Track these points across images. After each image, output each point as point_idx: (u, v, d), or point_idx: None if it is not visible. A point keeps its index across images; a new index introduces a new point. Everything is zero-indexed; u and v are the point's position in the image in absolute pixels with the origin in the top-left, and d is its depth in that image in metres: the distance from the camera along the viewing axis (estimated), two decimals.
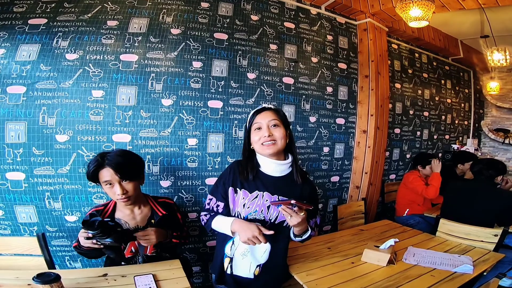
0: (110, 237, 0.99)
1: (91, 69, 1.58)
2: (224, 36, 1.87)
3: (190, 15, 1.80)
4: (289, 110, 2.05)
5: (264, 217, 1.06)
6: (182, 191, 1.76)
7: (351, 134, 2.39)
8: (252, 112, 1.12)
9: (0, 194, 1.43)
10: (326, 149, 2.24)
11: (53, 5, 1.59)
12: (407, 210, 2.28)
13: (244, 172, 1.09)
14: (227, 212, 1.10)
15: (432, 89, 3.17)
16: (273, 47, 2.03)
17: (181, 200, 1.76)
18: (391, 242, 1.28)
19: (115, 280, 1.03)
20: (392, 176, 2.83)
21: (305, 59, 2.15)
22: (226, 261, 1.10)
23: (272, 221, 1.07)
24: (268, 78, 1.99)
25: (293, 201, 0.94)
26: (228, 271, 1.09)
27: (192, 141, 1.75)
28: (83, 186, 1.53)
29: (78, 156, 1.51)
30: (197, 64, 1.79)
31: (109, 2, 1.66)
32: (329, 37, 2.29)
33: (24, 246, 1.24)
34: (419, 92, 3.02)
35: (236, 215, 1.09)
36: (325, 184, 2.28)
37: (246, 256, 1.08)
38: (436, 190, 2.14)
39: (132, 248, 1.22)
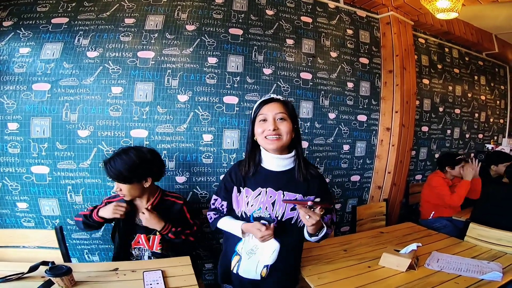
0: None
1: (110, 66, 1.64)
2: (239, 32, 1.87)
3: (205, 11, 1.82)
4: (307, 106, 2.01)
5: (269, 214, 1.02)
6: (197, 187, 1.78)
7: (374, 132, 2.30)
8: (258, 101, 1.06)
9: (26, 187, 1.52)
10: (346, 147, 2.17)
11: (73, 4, 1.67)
12: (433, 212, 2.15)
13: (245, 166, 1.06)
14: (229, 210, 1.11)
15: (464, 85, 2.98)
16: (289, 41, 2.00)
17: (196, 196, 1.79)
18: (413, 246, 1.20)
19: (125, 274, 1.06)
20: (418, 177, 2.69)
21: (323, 54, 2.10)
22: (235, 259, 1.08)
23: (278, 218, 1.02)
24: (285, 74, 1.97)
25: (309, 203, 0.89)
26: (235, 270, 1.07)
27: (207, 137, 1.77)
28: (102, 180, 1.60)
29: (98, 151, 1.58)
30: (212, 60, 1.80)
31: (126, 0, 1.72)
32: (349, 31, 2.22)
33: (43, 239, 1.30)
34: (450, 88, 2.85)
35: (241, 215, 1.06)
36: (344, 183, 2.21)
37: (254, 254, 1.06)
38: (460, 199, 2.01)
39: (139, 240, 1.27)
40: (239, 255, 1.07)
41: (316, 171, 1.09)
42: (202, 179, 1.79)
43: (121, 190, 1.21)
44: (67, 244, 1.34)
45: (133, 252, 1.29)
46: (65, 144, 1.53)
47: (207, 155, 1.77)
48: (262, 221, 1.01)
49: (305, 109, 1.99)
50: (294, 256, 1.10)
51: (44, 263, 1.06)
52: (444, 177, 2.18)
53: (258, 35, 1.92)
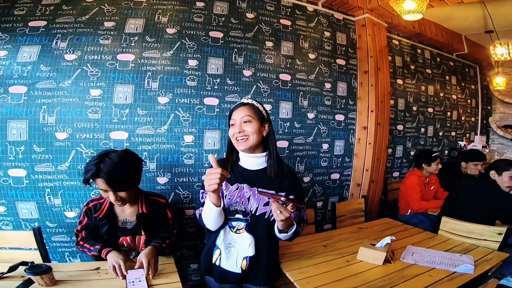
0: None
1: (89, 69, 1.67)
2: (219, 35, 1.95)
3: (186, 14, 1.88)
4: (286, 107, 2.11)
5: (245, 208, 1.10)
6: (179, 187, 1.82)
7: (351, 131, 2.43)
8: (231, 108, 1.16)
9: (3, 190, 1.52)
10: (325, 146, 2.28)
11: (52, 7, 1.69)
12: (410, 210, 2.29)
13: (224, 165, 1.13)
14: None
15: (436, 85, 3.19)
16: (269, 44, 2.09)
17: (178, 197, 1.83)
18: (387, 240, 1.29)
19: (107, 273, 1.08)
20: (396, 174, 2.85)
21: (302, 56, 2.21)
22: (216, 253, 1.14)
23: (252, 212, 1.10)
24: (265, 75, 2.05)
25: (283, 199, 0.92)
26: (217, 263, 1.13)
27: (188, 138, 1.82)
28: (81, 183, 1.59)
29: (77, 153, 1.59)
30: (192, 62, 1.86)
31: (105, 4, 1.76)
32: (327, 34, 2.35)
33: (21, 240, 1.30)
34: (423, 88, 3.04)
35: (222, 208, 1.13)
36: (325, 181, 2.32)
37: (233, 247, 1.12)
38: (422, 208, 2.19)
39: (124, 243, 1.28)
40: (219, 249, 1.13)
41: (289, 169, 1.17)
42: (184, 180, 1.83)
43: (120, 198, 1.17)
44: (47, 247, 1.35)
45: (121, 249, 1.29)
46: (43, 147, 1.54)
47: (189, 155, 1.82)
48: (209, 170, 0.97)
49: (285, 110, 2.08)
50: (270, 249, 1.15)
51: (24, 263, 1.09)
52: (420, 176, 2.30)
53: (238, 37, 2.00)
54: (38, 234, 1.30)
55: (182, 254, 1.89)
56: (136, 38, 1.77)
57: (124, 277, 1.06)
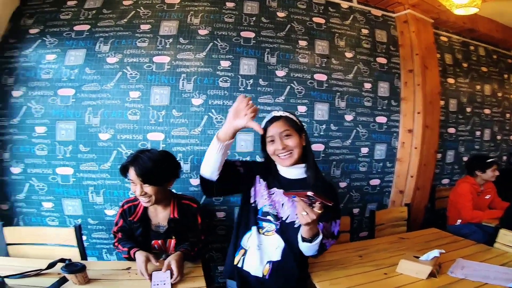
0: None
1: (128, 72, 1.74)
2: (251, 35, 1.92)
3: (216, 15, 1.89)
4: (322, 108, 2.00)
5: (277, 213, 1.09)
6: None
7: (394, 134, 2.24)
8: (264, 121, 1.12)
9: (52, 187, 1.64)
10: (364, 150, 2.13)
11: (94, 12, 1.80)
12: (460, 220, 2.05)
13: (266, 169, 1.16)
14: (236, 168, 1.10)
15: (493, 84, 2.84)
16: (302, 43, 2.02)
17: (210, 200, 1.82)
18: (435, 253, 1.15)
19: (136, 274, 1.10)
20: (445, 181, 2.57)
21: (338, 55, 2.10)
22: (240, 253, 1.11)
23: (283, 219, 1.09)
24: (299, 75, 1.98)
25: (309, 193, 0.82)
26: (240, 264, 1.09)
27: None
28: (121, 182, 1.68)
29: (118, 153, 1.67)
30: (225, 63, 1.86)
31: (141, 7, 1.83)
32: (364, 31, 2.20)
33: (63, 237, 1.36)
34: (478, 87, 2.72)
35: (254, 205, 1.12)
36: (363, 187, 2.16)
37: (258, 248, 1.08)
38: (479, 220, 1.94)
39: (156, 245, 1.30)
40: (244, 249, 1.10)
41: (328, 181, 1.18)
42: None
43: (145, 194, 1.19)
44: (88, 243, 1.42)
45: (153, 251, 1.31)
46: (88, 147, 1.64)
47: None
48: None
49: (320, 111, 1.99)
50: (297, 259, 1.07)
51: (62, 260, 1.14)
52: (473, 183, 2.07)
53: (270, 37, 1.96)
54: (78, 231, 1.36)
55: (211, 256, 1.88)
56: (170, 40, 1.81)
57: (149, 277, 1.07)
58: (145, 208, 1.30)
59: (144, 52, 1.77)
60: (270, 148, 1.09)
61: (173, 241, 1.31)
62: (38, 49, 1.70)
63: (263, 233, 1.10)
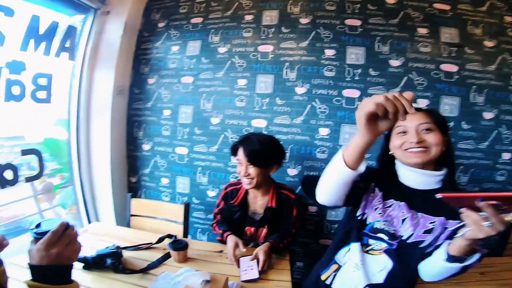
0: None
1: (236, 61, 1.81)
2: (357, 22, 1.74)
3: (317, 4, 1.79)
4: (450, 103, 1.67)
5: (394, 230, 0.89)
6: None
7: None
8: None
9: (170, 165, 1.88)
10: (506, 156, 1.70)
11: (204, 5, 1.92)
12: None
13: (376, 175, 0.96)
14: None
15: None
16: (422, 31, 1.71)
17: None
18: None
19: (227, 258, 1.15)
20: None
21: (473, 43, 1.69)
22: (331, 269, 0.96)
23: (403, 238, 0.88)
24: (419, 65, 1.70)
25: (504, 194, 0.58)
26: (328, 281, 0.94)
27: (323, 131, 1.72)
28: (224, 165, 1.80)
29: (224, 137, 1.78)
30: (329, 52, 1.74)
31: None
32: (508, 18, 1.72)
33: (174, 212, 1.50)
34: None
35: (361, 218, 0.94)
36: None
37: (358, 268, 0.90)
38: None
39: (248, 232, 1.34)
40: (338, 264, 0.96)
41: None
42: (314, 174, 1.76)
43: (249, 175, 1.25)
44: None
45: (244, 237, 1.37)
46: (201, 130, 1.81)
47: (322, 149, 1.73)
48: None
49: (448, 106, 1.66)
50: (405, 283, 0.90)
51: (169, 236, 1.26)
52: None
53: (380, 25, 1.73)
54: (186, 209, 1.49)
55: (293, 250, 1.84)
56: (273, 29, 1.80)
57: (236, 261, 1.12)
58: (246, 193, 1.35)
59: (250, 42, 1.82)
60: (396, 142, 0.90)
61: (264, 230, 1.33)
62: (166, 41, 1.94)
63: (367, 251, 0.92)
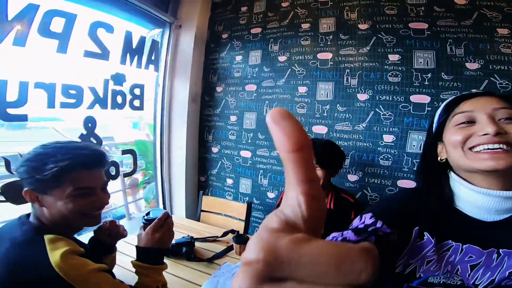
0: None
1: (296, 68, 1.90)
2: (423, 25, 1.67)
3: (375, 8, 1.76)
4: None
5: (461, 280, 0.60)
6: (368, 188, 1.77)
7: None
8: (449, 100, 0.67)
9: (235, 167, 2.05)
10: None
11: (261, 15, 2.04)
12: None
13: (414, 199, 0.66)
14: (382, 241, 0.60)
15: None
16: (502, 31, 1.58)
17: (365, 197, 1.78)
18: None
19: None
20: None
21: None
22: None
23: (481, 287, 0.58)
24: (502, 67, 1.58)
25: None
26: None
27: (388, 138, 1.71)
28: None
29: None
30: (393, 57, 1.71)
31: (298, 7, 1.92)
32: None
33: (237, 210, 1.68)
34: None
35: (403, 272, 0.63)
36: None
37: None
38: None
39: None
40: None
41: None
42: (376, 181, 1.75)
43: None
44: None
45: None
46: (264, 135, 1.94)
47: (386, 156, 1.72)
48: None
49: None
50: None
51: (233, 231, 1.41)
52: None
53: (450, 27, 1.64)
54: (249, 208, 1.63)
55: None
56: (330, 37, 1.83)
57: None
58: None
59: (308, 50, 1.88)
60: (455, 137, 0.60)
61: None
62: (230, 51, 2.12)
63: None
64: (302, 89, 1.88)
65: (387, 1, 1.79)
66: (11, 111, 1.22)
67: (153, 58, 1.86)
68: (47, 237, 0.68)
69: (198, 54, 2.10)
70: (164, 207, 2.05)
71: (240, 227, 1.62)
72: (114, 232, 0.95)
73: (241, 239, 1.26)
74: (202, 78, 2.14)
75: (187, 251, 1.20)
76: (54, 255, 0.65)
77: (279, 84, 1.93)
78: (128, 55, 1.69)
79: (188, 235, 1.30)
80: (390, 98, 1.72)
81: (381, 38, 1.76)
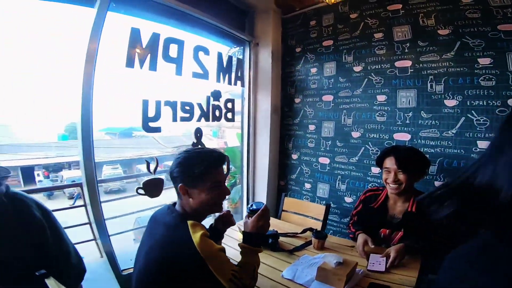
0: None
1: (373, 78, 1.96)
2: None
3: (455, 13, 1.71)
4: None
5: None
6: None
7: None
8: None
9: (313, 172, 2.20)
10: None
11: (330, 28, 2.15)
12: None
13: None
14: None
15: None
16: None
17: None
18: None
19: (357, 252, 1.36)
20: None
21: None
22: None
23: None
24: None
25: None
26: None
27: (483, 144, 1.63)
28: (364, 175, 1.96)
29: (365, 149, 1.95)
30: (484, 61, 1.63)
31: (368, 18, 1.97)
32: None
33: (316, 211, 1.81)
34: None
35: None
36: None
37: None
38: None
39: (382, 234, 1.45)
40: None
41: None
42: None
43: (398, 180, 1.38)
44: None
45: (377, 238, 1.47)
46: (342, 143, 2.05)
47: None
48: None
49: None
50: None
51: (311, 229, 1.55)
52: None
53: None
54: (327, 209, 1.75)
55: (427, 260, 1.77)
56: (408, 44, 1.84)
57: (365, 255, 1.27)
58: (386, 199, 1.48)
59: (384, 59, 1.92)
60: None
61: (400, 234, 1.41)
62: (305, 64, 2.29)
63: None
64: (381, 98, 1.93)
65: (468, 5, 1.74)
66: (151, 124, 1.61)
67: (239, 74, 2.17)
68: (189, 222, 0.91)
69: (276, 68, 2.33)
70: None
71: (316, 226, 1.74)
72: (227, 220, 1.18)
73: (320, 235, 1.42)
74: (281, 90, 2.36)
75: (272, 242, 1.40)
76: (195, 237, 0.87)
77: (356, 94, 2.02)
78: (221, 73, 2.02)
79: (274, 229, 1.49)
80: (484, 102, 1.65)
81: (466, 42, 1.72)
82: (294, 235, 1.56)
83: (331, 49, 2.17)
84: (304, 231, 1.58)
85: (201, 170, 0.96)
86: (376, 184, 1.91)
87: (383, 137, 1.89)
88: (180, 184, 0.97)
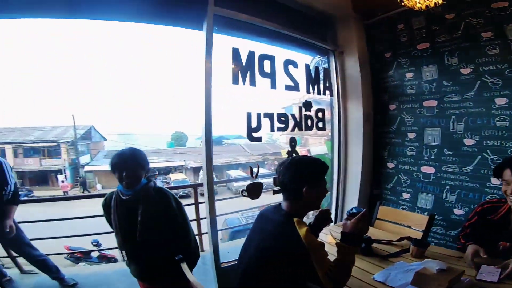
0: None
1: (488, 80, 1.74)
2: None
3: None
4: None
5: None
6: None
7: None
8: None
9: (413, 182, 2.08)
10: None
11: (424, 30, 1.99)
12: None
13: None
14: None
15: None
16: None
17: None
18: None
19: (465, 262, 1.22)
20: None
21: None
22: None
23: None
24: None
25: None
26: None
27: None
28: (480, 186, 1.75)
29: (482, 158, 1.75)
30: None
31: (469, 18, 1.77)
32: None
33: (416, 221, 1.66)
34: None
35: None
36: None
37: None
38: None
39: (501, 246, 1.27)
40: None
41: None
42: None
43: None
44: None
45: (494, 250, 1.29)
46: (451, 151, 1.88)
47: None
48: None
49: None
50: None
51: (409, 238, 1.45)
52: None
53: None
54: (431, 219, 1.60)
55: None
56: None
57: (474, 266, 1.15)
58: (508, 211, 1.29)
59: (500, 59, 1.69)
60: None
61: None
62: (398, 69, 2.19)
63: None
64: (501, 101, 1.71)
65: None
66: (254, 134, 1.81)
67: (327, 84, 2.21)
68: (294, 219, 1.03)
69: (365, 75, 2.28)
70: (336, 215, 2.29)
71: (415, 236, 1.61)
72: (327, 216, 1.27)
73: (420, 243, 1.34)
74: (372, 97, 2.31)
75: (366, 247, 1.39)
76: (301, 231, 0.99)
77: (467, 97, 1.83)
78: (310, 84, 2.11)
79: (367, 235, 1.46)
80: None
81: None
82: (388, 242, 1.50)
83: (429, 52, 2.03)
84: (401, 239, 1.51)
85: (317, 174, 1.11)
86: (497, 196, 1.67)
87: (507, 144, 1.66)
88: (305, 187, 1.09)
